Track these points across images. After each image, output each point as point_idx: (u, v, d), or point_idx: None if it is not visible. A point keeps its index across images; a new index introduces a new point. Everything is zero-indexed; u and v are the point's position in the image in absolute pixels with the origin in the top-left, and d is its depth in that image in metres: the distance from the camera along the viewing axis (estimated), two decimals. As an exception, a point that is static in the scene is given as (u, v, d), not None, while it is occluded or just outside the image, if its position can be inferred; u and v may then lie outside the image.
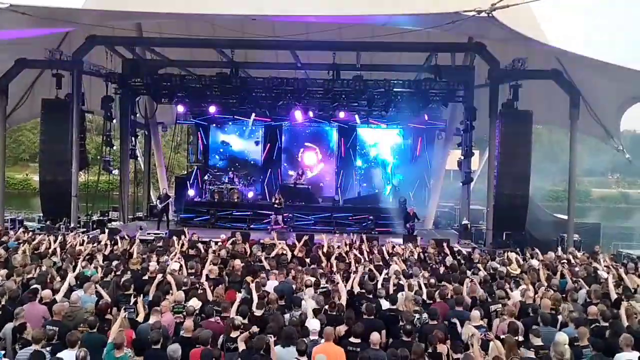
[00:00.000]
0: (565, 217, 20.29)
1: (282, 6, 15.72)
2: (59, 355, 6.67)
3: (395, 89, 20.11)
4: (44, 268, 10.53)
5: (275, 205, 20.64)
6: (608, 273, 11.15)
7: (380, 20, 17.04)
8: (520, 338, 7.50)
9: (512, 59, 18.20)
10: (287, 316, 8.25)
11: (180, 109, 24.69)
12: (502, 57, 18.64)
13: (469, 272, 11.45)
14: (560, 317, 8.43)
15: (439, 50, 19.80)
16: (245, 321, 7.68)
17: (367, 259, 12.41)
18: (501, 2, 12.87)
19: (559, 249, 15.09)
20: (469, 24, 14.46)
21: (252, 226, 20.64)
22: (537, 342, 7.29)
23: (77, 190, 19.84)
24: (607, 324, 8.04)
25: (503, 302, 9.02)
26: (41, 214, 20.60)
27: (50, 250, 12.55)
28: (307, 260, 12.26)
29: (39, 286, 8.90)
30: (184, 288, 9.31)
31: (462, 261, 13.14)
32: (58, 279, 9.81)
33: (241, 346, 7.00)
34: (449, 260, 12.93)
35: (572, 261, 12.95)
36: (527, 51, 17.80)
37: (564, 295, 9.54)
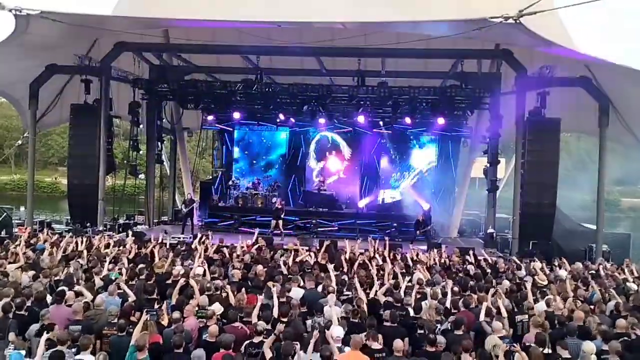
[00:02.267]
0: (594, 227, 19.86)
1: (308, 13, 15.76)
2: (79, 356, 6.75)
3: (420, 96, 19.99)
4: (70, 270, 10.67)
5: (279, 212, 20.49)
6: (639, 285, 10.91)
7: (406, 27, 16.97)
8: (546, 350, 7.35)
9: (539, 66, 17.94)
10: (309, 322, 8.20)
11: (206, 114, 24.89)
12: (529, 64, 18.39)
13: (494, 282, 11.27)
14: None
15: (465, 56, 19.61)
16: (269, 327, 7.67)
17: (390, 266, 12.30)
18: (529, 9, 12.70)
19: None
20: (496, 30, 14.29)
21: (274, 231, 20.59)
22: (565, 354, 7.14)
23: (104, 194, 20.19)
24: (635, 338, 7.83)
25: (531, 313, 8.85)
26: (69, 217, 20.97)
27: (77, 253, 12.72)
28: (330, 266, 12.18)
29: (65, 288, 9.02)
30: (207, 293, 9.34)
31: (488, 270, 12.95)
32: (83, 281, 9.93)
33: (267, 353, 6.96)
34: (473, 269, 12.76)
35: (601, 272, 12.68)
36: (555, 58, 17.53)
37: (592, 307, 9.34)
